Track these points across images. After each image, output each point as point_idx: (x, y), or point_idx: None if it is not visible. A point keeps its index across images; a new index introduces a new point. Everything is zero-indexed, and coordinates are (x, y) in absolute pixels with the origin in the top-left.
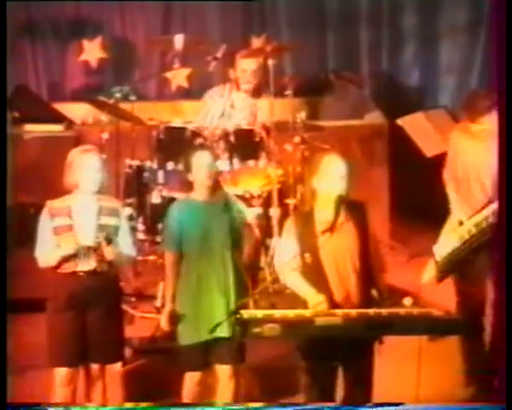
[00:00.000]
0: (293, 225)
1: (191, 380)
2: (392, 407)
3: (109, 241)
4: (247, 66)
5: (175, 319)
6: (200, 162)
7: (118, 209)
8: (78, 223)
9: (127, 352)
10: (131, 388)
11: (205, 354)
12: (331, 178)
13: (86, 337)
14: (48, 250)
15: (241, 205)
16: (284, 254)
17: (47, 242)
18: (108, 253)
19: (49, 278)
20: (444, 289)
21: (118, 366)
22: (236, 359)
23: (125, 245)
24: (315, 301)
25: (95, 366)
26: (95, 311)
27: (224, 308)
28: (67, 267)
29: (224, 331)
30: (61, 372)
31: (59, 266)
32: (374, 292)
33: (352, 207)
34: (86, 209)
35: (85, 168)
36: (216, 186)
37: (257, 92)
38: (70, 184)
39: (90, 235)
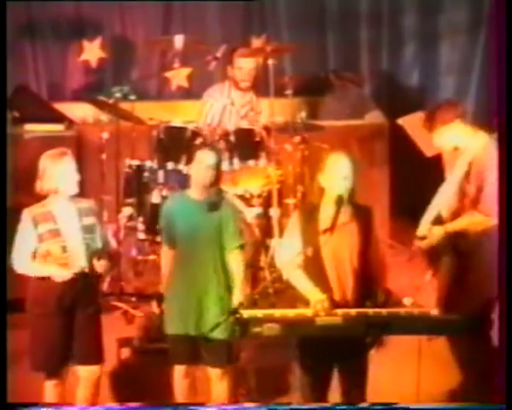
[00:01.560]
0: (298, 221)
1: (179, 374)
2: (391, 407)
3: (99, 257)
4: (243, 64)
5: (162, 300)
6: (203, 162)
7: (93, 208)
8: (63, 227)
9: (127, 352)
10: (131, 387)
11: (191, 349)
12: (337, 176)
13: (70, 340)
14: (28, 258)
15: (239, 204)
16: (287, 250)
17: (28, 249)
18: (100, 267)
19: (32, 281)
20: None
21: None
22: (228, 361)
23: (101, 240)
24: (317, 298)
25: (78, 368)
26: (78, 313)
27: (209, 305)
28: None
29: (216, 333)
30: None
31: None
32: (373, 294)
33: (359, 209)
34: (67, 213)
35: (63, 173)
36: (213, 185)
37: (255, 90)
38: (47, 190)
39: (76, 238)
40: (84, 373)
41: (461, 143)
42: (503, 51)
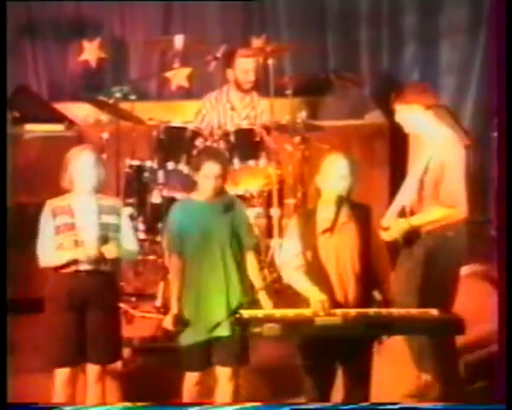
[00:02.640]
0: (297, 223)
1: (190, 380)
2: (391, 407)
3: (105, 240)
4: (244, 65)
5: (180, 321)
6: (210, 174)
7: (117, 207)
8: (79, 222)
9: (127, 352)
10: (131, 388)
11: (204, 355)
12: (334, 177)
13: (85, 337)
14: (49, 250)
15: (243, 206)
16: (287, 252)
17: (48, 241)
18: (108, 252)
19: (48, 277)
20: None
21: (116, 366)
22: (239, 360)
23: (129, 242)
24: (317, 298)
25: (93, 367)
26: (94, 310)
27: (224, 308)
28: (68, 267)
29: (223, 331)
30: (62, 373)
31: (60, 266)
32: (375, 294)
33: (356, 208)
34: (87, 208)
35: (80, 167)
36: (219, 190)
37: (255, 90)
38: (67, 184)
39: (92, 234)
40: (92, 372)
41: (421, 130)
42: (503, 51)
